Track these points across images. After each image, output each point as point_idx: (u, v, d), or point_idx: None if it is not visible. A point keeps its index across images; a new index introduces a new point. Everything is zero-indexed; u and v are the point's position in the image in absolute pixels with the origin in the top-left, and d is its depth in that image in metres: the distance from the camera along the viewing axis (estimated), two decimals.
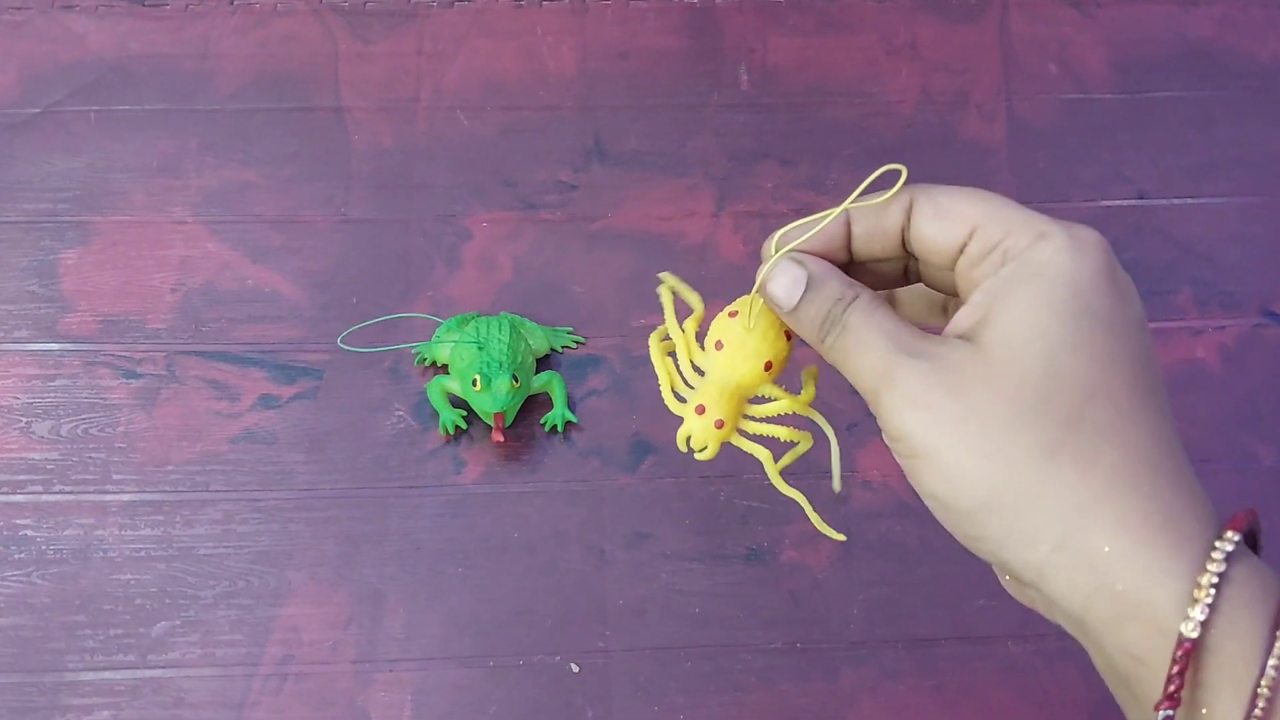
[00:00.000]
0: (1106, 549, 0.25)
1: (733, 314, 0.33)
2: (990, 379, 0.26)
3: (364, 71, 0.73)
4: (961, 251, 0.29)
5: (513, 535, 0.60)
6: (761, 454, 0.34)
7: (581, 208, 0.69)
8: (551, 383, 0.63)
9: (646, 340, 0.71)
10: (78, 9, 0.74)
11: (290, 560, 0.59)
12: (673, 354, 0.35)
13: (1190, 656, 0.24)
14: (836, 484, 0.32)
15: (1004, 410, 0.26)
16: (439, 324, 0.63)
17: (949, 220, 0.29)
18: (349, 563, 0.59)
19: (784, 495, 0.34)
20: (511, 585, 0.59)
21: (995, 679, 0.58)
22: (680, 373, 0.34)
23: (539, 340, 0.63)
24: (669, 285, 0.35)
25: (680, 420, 0.34)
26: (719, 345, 0.33)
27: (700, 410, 0.33)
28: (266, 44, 0.73)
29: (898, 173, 0.30)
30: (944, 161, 0.72)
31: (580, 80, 0.73)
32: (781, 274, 0.30)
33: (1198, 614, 0.24)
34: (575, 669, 0.57)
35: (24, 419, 0.62)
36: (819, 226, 0.30)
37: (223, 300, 0.66)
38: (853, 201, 0.30)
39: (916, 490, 0.28)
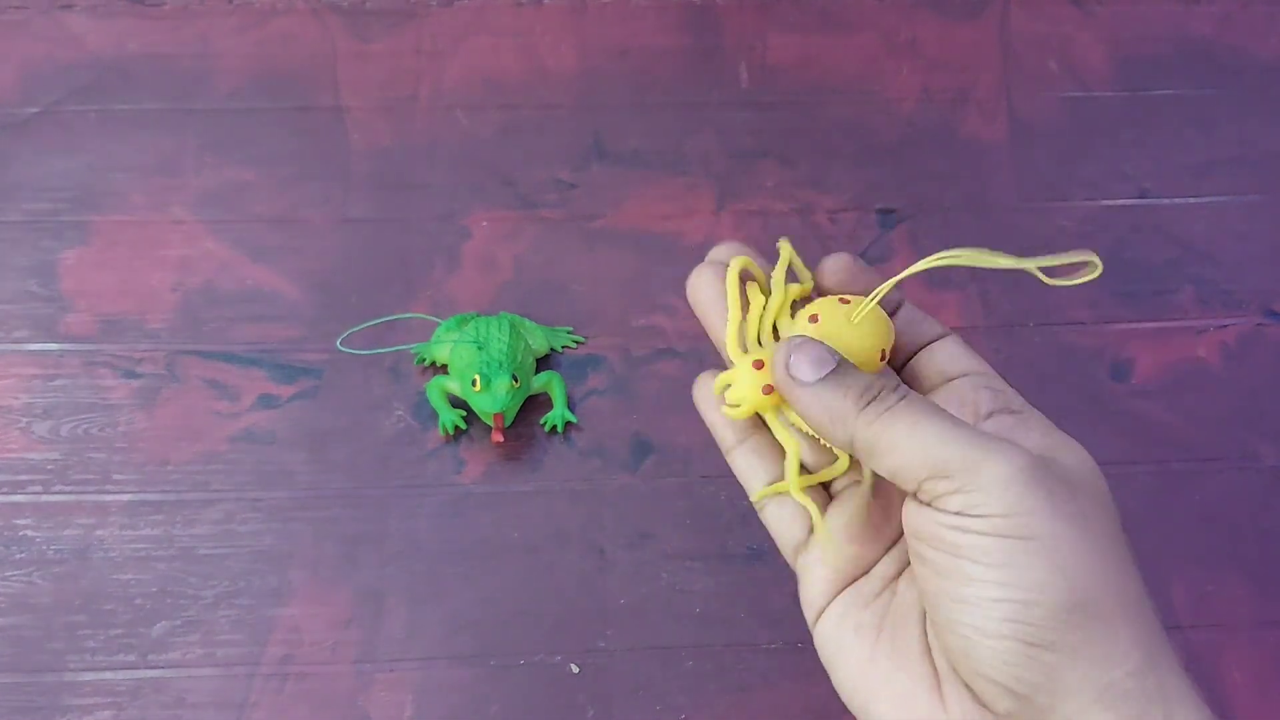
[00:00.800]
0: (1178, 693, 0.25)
1: (843, 300, 0.31)
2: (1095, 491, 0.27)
3: (363, 71, 0.73)
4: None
5: (513, 535, 0.60)
6: (791, 446, 0.31)
7: (581, 207, 0.69)
8: (551, 383, 0.62)
9: (646, 340, 0.71)
10: (76, 8, 0.74)
11: (290, 560, 0.59)
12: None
13: None
14: (826, 548, 0.31)
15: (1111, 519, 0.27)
16: (438, 324, 0.63)
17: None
18: (349, 563, 0.59)
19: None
20: (512, 585, 0.59)
21: None
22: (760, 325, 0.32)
23: (539, 340, 0.63)
24: (787, 253, 0.33)
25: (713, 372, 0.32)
26: (814, 319, 0.31)
27: (758, 365, 0.31)
28: (265, 43, 0.73)
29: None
30: (944, 160, 0.72)
31: (580, 79, 0.73)
32: (808, 352, 0.29)
33: None
34: (575, 670, 0.57)
35: (24, 419, 0.62)
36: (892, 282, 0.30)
37: (222, 300, 0.65)
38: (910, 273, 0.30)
39: (995, 585, 0.25)
